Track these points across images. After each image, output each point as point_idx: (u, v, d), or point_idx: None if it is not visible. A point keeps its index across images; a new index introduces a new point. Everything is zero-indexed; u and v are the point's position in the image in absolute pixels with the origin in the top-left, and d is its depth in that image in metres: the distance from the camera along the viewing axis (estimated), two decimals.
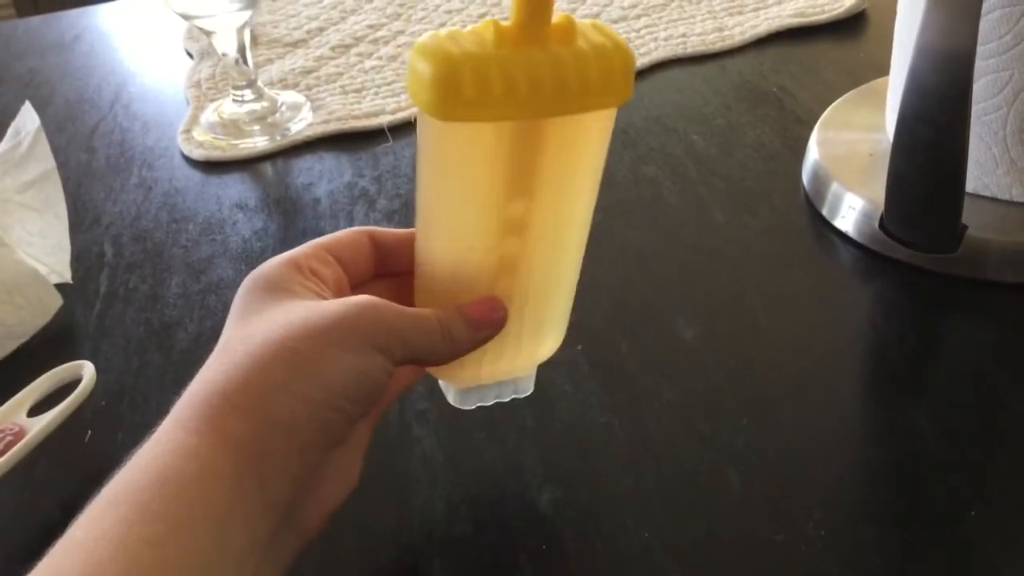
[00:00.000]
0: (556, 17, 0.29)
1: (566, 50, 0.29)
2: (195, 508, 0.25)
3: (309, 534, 0.30)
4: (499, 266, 0.33)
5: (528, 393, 0.38)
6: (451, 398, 0.37)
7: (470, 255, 0.33)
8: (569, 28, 0.29)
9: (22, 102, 0.56)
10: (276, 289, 0.31)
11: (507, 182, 0.31)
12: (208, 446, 0.26)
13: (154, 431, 0.27)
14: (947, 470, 0.38)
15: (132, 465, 0.26)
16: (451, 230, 0.33)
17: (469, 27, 0.29)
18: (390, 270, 0.36)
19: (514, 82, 0.28)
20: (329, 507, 0.31)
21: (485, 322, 0.33)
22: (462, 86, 0.27)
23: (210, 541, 0.25)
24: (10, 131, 0.54)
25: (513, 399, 0.38)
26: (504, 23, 0.28)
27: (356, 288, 0.35)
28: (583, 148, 0.32)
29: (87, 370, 0.43)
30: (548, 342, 0.37)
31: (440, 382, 0.37)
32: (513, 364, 0.36)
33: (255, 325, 0.29)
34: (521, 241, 0.33)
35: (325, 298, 0.31)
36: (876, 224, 0.49)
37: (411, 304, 0.34)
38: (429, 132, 0.30)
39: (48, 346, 0.49)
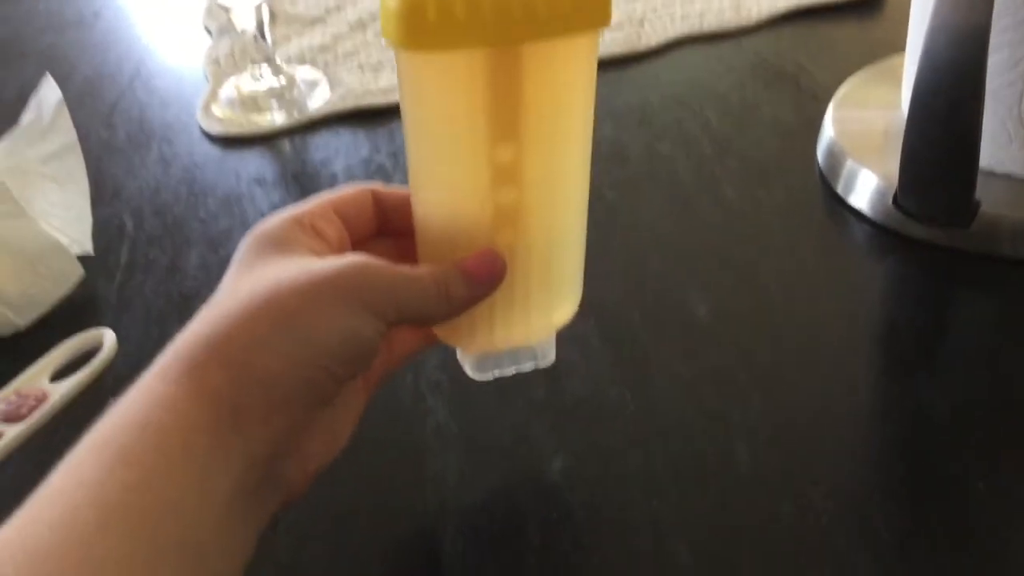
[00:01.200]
0: None
1: None
2: (174, 456, 0.25)
3: (291, 491, 0.30)
4: (495, 218, 0.32)
5: (549, 362, 0.37)
6: (468, 368, 0.36)
7: (462, 205, 0.32)
8: None
9: (42, 77, 0.57)
10: (276, 244, 0.31)
11: (489, 122, 0.30)
12: (187, 397, 0.26)
13: (137, 381, 0.27)
14: (956, 444, 0.38)
15: (113, 414, 0.26)
16: (438, 178, 0.32)
17: None
18: (395, 228, 0.35)
19: (478, 5, 0.27)
20: (313, 466, 0.31)
21: (482, 275, 0.32)
22: (426, 12, 0.27)
23: (189, 489, 0.25)
24: (32, 104, 0.55)
25: (534, 368, 0.37)
26: None
27: (359, 246, 0.34)
28: (564, 84, 0.31)
29: (108, 337, 0.44)
30: (563, 306, 0.36)
31: (457, 353, 0.37)
32: (527, 328, 0.35)
33: (247, 279, 0.29)
34: (517, 191, 0.32)
35: (323, 256, 0.31)
36: (890, 200, 0.49)
37: (415, 264, 0.34)
38: (404, 71, 0.30)
39: (69, 316, 0.50)
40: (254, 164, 0.63)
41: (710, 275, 0.49)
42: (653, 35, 0.71)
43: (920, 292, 0.47)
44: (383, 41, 0.29)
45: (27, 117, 0.54)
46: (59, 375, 0.43)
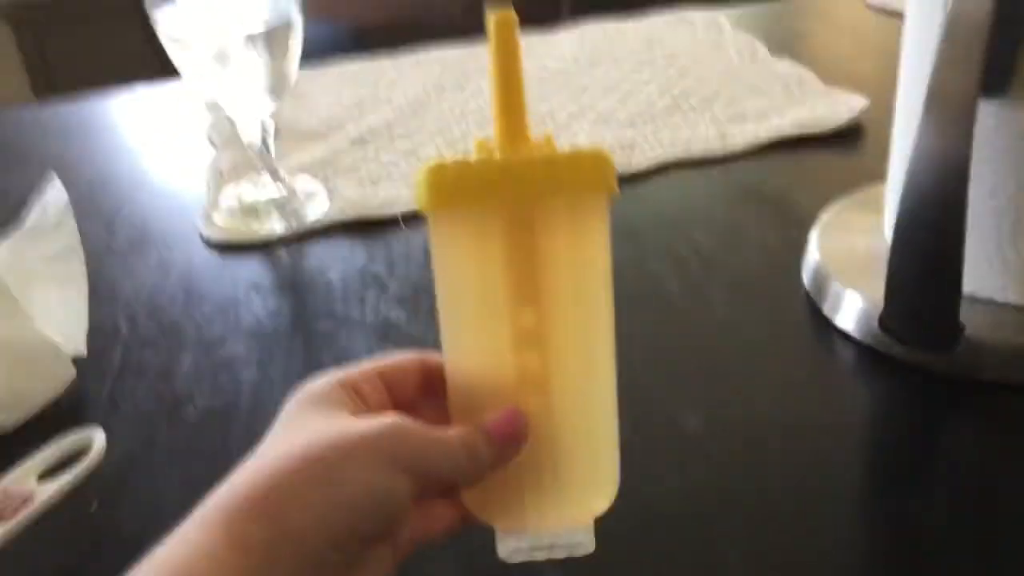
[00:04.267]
0: (539, 137, 0.34)
1: (541, 152, 0.33)
2: None
3: None
4: (520, 382, 0.34)
5: (588, 551, 0.35)
6: (500, 549, 0.35)
7: (486, 367, 0.34)
8: (548, 143, 0.34)
9: (45, 183, 0.58)
10: (318, 403, 0.32)
11: (508, 283, 0.33)
12: (224, 547, 0.27)
13: (178, 526, 0.28)
14: (948, 563, 0.38)
15: (153, 558, 0.27)
16: (463, 340, 0.34)
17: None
18: (438, 395, 0.36)
19: (489, 172, 0.33)
20: None
21: (505, 435, 0.33)
22: (446, 178, 0.32)
23: None
24: (37, 204, 0.56)
25: (568, 555, 0.35)
26: (490, 141, 0.34)
27: (403, 409, 0.35)
28: (578, 251, 0.33)
29: (97, 438, 0.44)
30: (598, 491, 0.36)
31: (496, 532, 0.36)
32: (560, 513, 0.35)
33: (288, 436, 0.31)
34: (541, 355, 0.34)
35: (361, 416, 0.32)
36: (875, 322, 0.50)
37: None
38: (432, 234, 0.34)
39: (60, 416, 0.50)
40: (251, 271, 0.64)
41: (700, 391, 0.49)
42: (643, 159, 0.74)
43: (906, 412, 0.48)
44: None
45: (32, 217, 0.55)
46: (46, 474, 0.42)
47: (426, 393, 0.36)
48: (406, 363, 0.36)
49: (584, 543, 0.35)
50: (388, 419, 0.31)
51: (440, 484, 0.33)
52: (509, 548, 0.35)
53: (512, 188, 0.33)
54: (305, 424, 0.31)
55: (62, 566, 0.41)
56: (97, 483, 0.45)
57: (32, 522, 0.40)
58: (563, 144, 0.33)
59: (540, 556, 0.35)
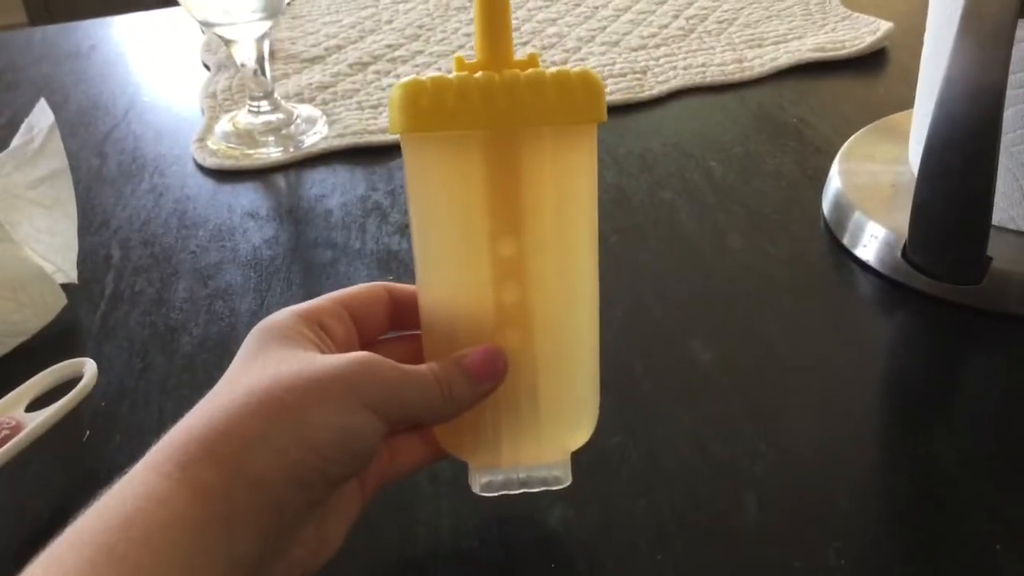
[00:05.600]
0: (522, 55, 0.31)
1: (524, 72, 0.30)
2: (160, 554, 0.24)
3: None
4: (499, 317, 0.32)
5: (563, 485, 0.34)
6: (473, 484, 0.34)
7: (464, 300, 0.32)
8: (532, 61, 0.31)
9: (36, 104, 0.55)
10: (280, 338, 0.30)
11: (488, 212, 0.31)
12: (178, 493, 0.25)
13: (126, 472, 0.27)
14: (971, 504, 0.37)
15: (100, 505, 0.25)
16: (440, 271, 0.32)
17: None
18: (408, 326, 0.35)
19: (467, 92, 0.30)
20: (298, 572, 0.29)
21: (484, 373, 0.31)
22: (420, 98, 0.30)
23: None
24: (23, 127, 0.54)
25: (544, 489, 0.34)
26: (469, 60, 0.31)
27: (369, 344, 0.34)
28: (562, 177, 0.31)
29: (88, 368, 0.42)
30: (577, 428, 0.34)
31: (469, 468, 0.35)
32: (537, 448, 0.34)
33: (248, 373, 0.29)
34: (521, 289, 0.32)
35: (326, 353, 0.31)
36: (899, 253, 0.48)
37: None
38: (406, 158, 0.31)
39: (50, 345, 0.48)
40: (248, 198, 0.62)
41: (713, 323, 0.47)
42: (656, 84, 0.71)
43: (928, 346, 0.46)
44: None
45: (17, 140, 0.53)
46: (36, 405, 0.41)
47: (395, 326, 0.34)
48: (372, 295, 0.34)
49: (560, 477, 0.34)
50: (356, 356, 0.29)
51: (415, 422, 0.31)
52: (483, 482, 0.34)
53: (493, 111, 0.30)
54: (267, 362, 0.29)
55: (52, 496, 0.40)
56: (89, 413, 0.43)
57: (21, 452, 0.38)
58: (557, 66, 0.31)
59: (515, 490, 0.34)
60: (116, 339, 0.49)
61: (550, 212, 0.31)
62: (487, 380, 0.32)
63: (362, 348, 0.33)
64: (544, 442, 0.34)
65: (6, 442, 0.38)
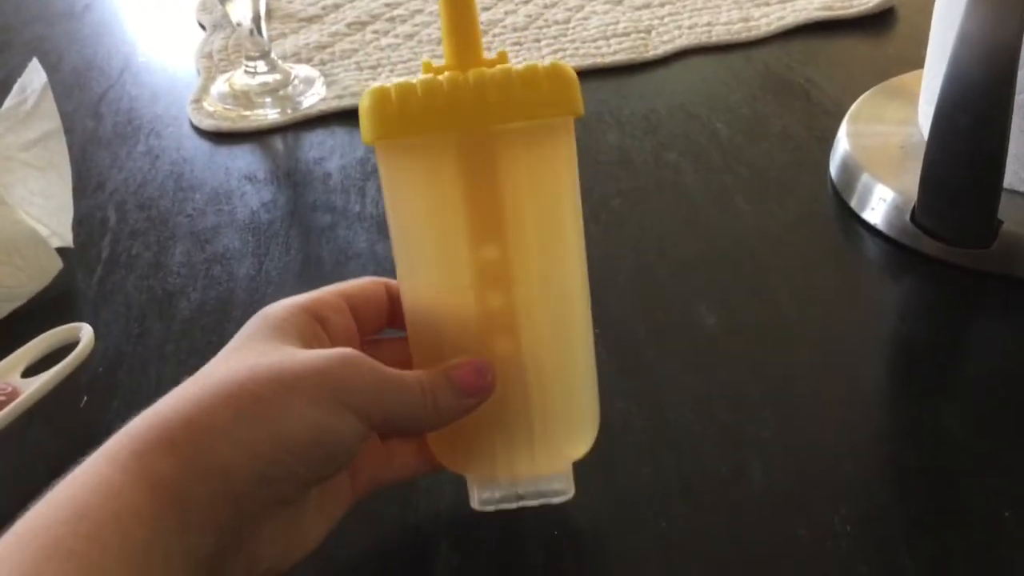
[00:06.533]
0: (492, 54, 0.31)
1: (490, 70, 0.30)
2: (110, 549, 0.23)
3: None
4: (486, 324, 0.31)
5: (564, 498, 0.33)
6: (471, 498, 0.33)
7: (448, 308, 0.31)
8: (501, 59, 0.31)
9: (29, 65, 0.54)
10: (270, 329, 0.30)
11: (467, 217, 0.30)
12: (131, 484, 0.24)
13: (81, 461, 0.26)
14: (979, 470, 0.36)
15: (51, 497, 0.24)
16: (422, 279, 0.32)
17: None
18: (404, 326, 0.33)
19: (432, 94, 0.29)
20: (261, 569, 0.28)
21: (471, 386, 0.30)
22: (385, 105, 0.29)
23: None
24: (16, 87, 0.53)
25: (543, 504, 0.33)
26: (437, 63, 0.31)
27: (367, 343, 0.33)
28: (539, 178, 0.31)
29: (85, 332, 0.41)
30: (576, 437, 0.33)
31: (468, 480, 0.33)
32: (533, 461, 0.33)
33: (226, 363, 0.28)
34: (506, 294, 0.31)
35: (316, 348, 0.30)
36: (907, 216, 0.47)
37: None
38: (381, 167, 0.31)
39: (46, 309, 0.47)
40: (245, 160, 0.61)
41: (719, 286, 0.47)
42: (660, 44, 0.70)
43: (937, 311, 0.45)
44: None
45: (9, 101, 0.52)
46: (32, 370, 0.40)
47: (393, 323, 0.34)
48: (371, 287, 0.33)
49: (561, 489, 0.33)
50: (338, 352, 0.28)
51: (397, 428, 0.31)
52: (481, 497, 0.33)
53: (461, 111, 0.29)
54: (248, 354, 0.28)
55: (50, 463, 0.39)
56: (86, 378, 0.43)
57: (17, 418, 0.38)
58: (558, 56, 0.30)
59: (514, 504, 0.33)
60: (113, 304, 0.48)
61: (530, 213, 0.31)
62: (474, 394, 0.31)
63: (361, 343, 0.33)
64: (541, 453, 0.33)
65: (2, 408, 0.38)
